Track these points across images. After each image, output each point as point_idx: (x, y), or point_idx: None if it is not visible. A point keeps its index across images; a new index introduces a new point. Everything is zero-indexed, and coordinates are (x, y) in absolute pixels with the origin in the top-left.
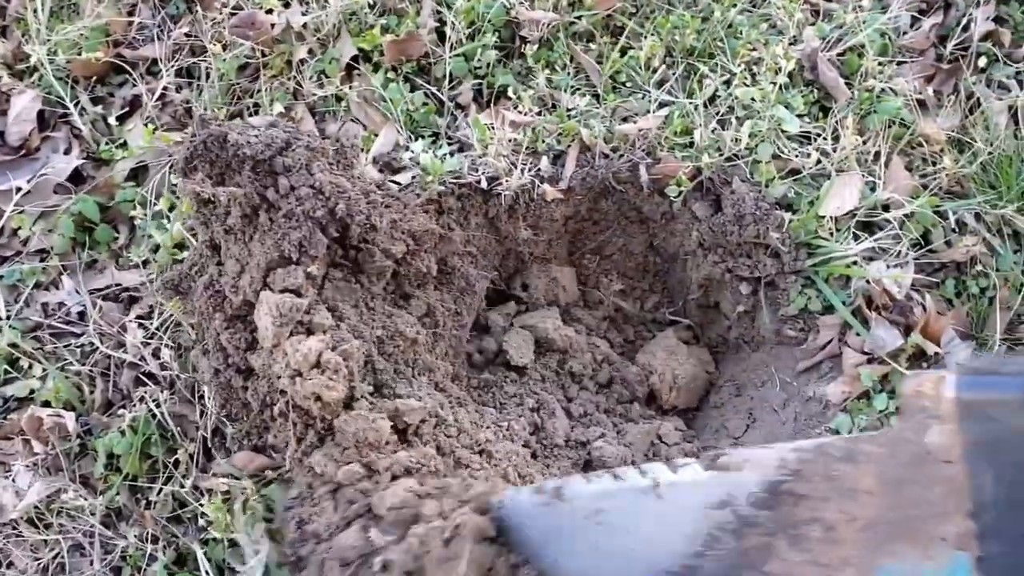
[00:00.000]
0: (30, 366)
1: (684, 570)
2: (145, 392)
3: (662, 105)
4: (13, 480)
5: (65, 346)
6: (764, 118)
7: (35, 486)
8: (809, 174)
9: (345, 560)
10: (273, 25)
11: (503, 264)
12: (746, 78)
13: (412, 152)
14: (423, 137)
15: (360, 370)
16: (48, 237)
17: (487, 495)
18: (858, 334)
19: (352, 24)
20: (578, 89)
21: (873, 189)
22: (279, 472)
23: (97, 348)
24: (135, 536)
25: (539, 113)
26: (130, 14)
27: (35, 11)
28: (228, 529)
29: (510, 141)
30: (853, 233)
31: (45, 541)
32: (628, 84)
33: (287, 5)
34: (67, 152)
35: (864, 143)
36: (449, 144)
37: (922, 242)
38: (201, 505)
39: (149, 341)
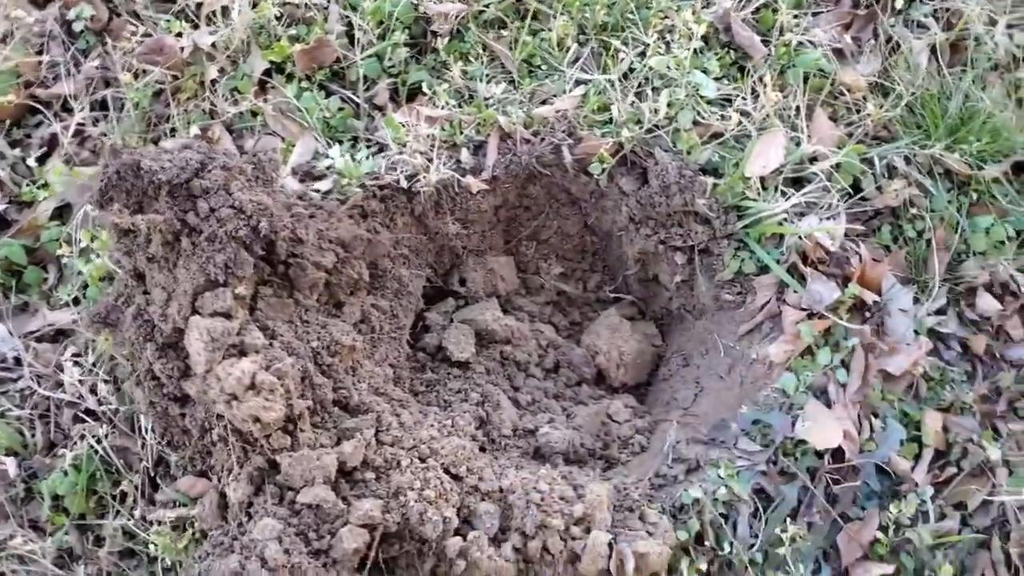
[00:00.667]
0: None
1: None
2: (85, 429)
3: (578, 83)
4: None
5: (2, 392)
6: (681, 86)
7: None
8: (732, 136)
9: None
10: (182, 48)
11: (438, 261)
12: (660, 47)
13: (330, 158)
14: (342, 142)
15: (297, 387)
16: None
17: None
18: (795, 291)
19: (261, 38)
20: (493, 77)
21: (798, 144)
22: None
23: (35, 392)
24: (87, 575)
25: (457, 105)
26: (39, 53)
27: None
28: (178, 555)
29: (427, 137)
30: (781, 191)
31: None
32: (543, 67)
33: (196, 27)
34: None
35: (785, 98)
36: (368, 146)
37: (851, 192)
38: (148, 536)
39: (85, 378)
